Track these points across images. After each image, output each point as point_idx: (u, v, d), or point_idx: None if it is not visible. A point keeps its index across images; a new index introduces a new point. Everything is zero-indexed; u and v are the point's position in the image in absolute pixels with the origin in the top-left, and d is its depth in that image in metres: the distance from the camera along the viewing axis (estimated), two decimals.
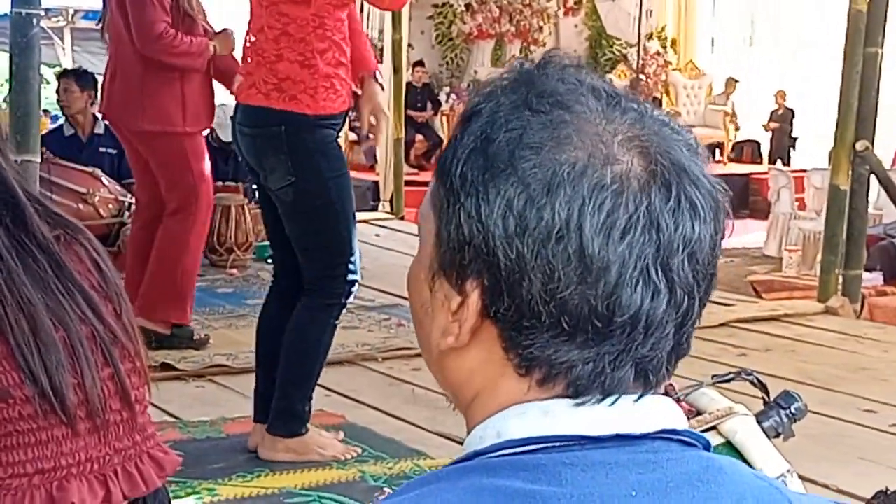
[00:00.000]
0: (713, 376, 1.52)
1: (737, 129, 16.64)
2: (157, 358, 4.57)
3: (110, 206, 6.85)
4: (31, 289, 1.69)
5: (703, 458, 0.84)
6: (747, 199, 13.71)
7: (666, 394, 0.88)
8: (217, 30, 5.05)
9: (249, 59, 3.51)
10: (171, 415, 4.03)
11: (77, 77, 7.31)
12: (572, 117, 0.81)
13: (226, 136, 8.39)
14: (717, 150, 15.83)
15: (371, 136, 3.76)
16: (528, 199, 0.79)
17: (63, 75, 7.59)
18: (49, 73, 13.36)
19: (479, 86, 0.87)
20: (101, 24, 5.20)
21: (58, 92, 7.44)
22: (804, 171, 11.98)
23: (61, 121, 7.90)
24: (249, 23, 3.56)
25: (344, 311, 3.59)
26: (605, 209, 0.79)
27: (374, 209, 9.92)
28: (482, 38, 15.60)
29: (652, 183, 0.80)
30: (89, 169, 6.93)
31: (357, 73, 3.61)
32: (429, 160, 14.48)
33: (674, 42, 17.07)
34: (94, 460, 1.75)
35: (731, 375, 1.53)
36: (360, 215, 4.63)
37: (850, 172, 6.32)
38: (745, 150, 16.62)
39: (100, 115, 6.33)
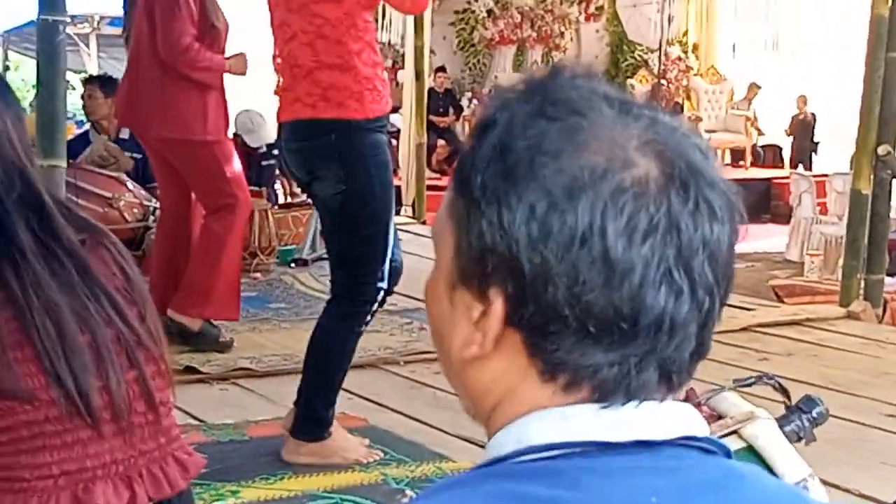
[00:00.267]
0: (735, 380, 1.52)
1: (760, 133, 16.57)
2: (182, 361, 4.60)
3: (135, 210, 6.88)
4: (57, 292, 1.70)
5: (723, 465, 0.84)
6: (769, 204, 13.66)
7: (687, 398, 0.89)
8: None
9: (284, 76, 3.47)
10: (195, 417, 4.05)
11: (102, 83, 7.36)
12: (588, 123, 0.83)
13: (252, 141, 8.46)
14: (739, 156, 15.77)
15: None
16: (550, 205, 0.80)
17: (88, 81, 7.65)
18: (75, 80, 13.44)
19: (492, 96, 0.88)
20: (125, 31, 5.22)
21: (83, 98, 7.49)
22: (826, 175, 11.92)
23: (87, 126, 7.96)
24: (276, 41, 3.53)
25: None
26: (627, 212, 0.80)
27: (397, 213, 9.89)
28: (504, 43, 15.60)
29: (670, 186, 0.81)
30: (114, 174, 6.97)
31: None
32: (451, 165, 14.48)
33: (695, 47, 17.02)
34: (120, 462, 1.76)
35: (753, 379, 1.54)
36: None
37: (872, 177, 6.30)
38: (768, 155, 16.55)
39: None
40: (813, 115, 16.48)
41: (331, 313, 3.54)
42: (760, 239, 10.52)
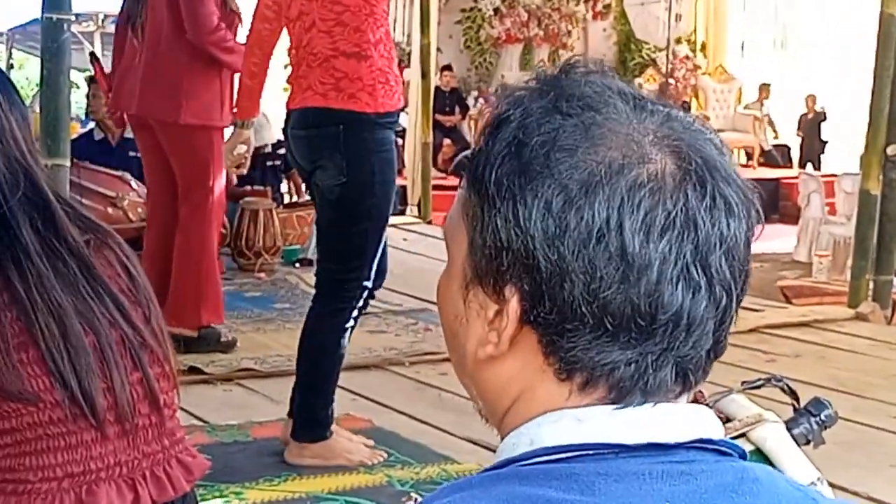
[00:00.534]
0: (743, 382, 1.51)
1: (776, 136, 16.56)
2: (186, 362, 4.59)
3: (139, 209, 6.88)
4: (62, 292, 1.69)
5: (737, 468, 0.83)
6: (777, 204, 13.64)
7: (695, 400, 0.87)
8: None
9: (301, 64, 3.46)
10: (198, 418, 4.04)
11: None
12: (603, 119, 0.82)
13: (256, 140, 8.44)
14: (748, 155, 15.75)
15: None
16: (566, 201, 0.79)
17: (92, 80, 7.64)
18: (79, 78, 13.45)
19: (502, 94, 0.87)
20: (131, 23, 5.12)
21: (87, 97, 7.49)
22: (834, 175, 11.89)
23: (91, 125, 7.96)
24: (293, 32, 3.52)
25: (370, 315, 3.59)
26: (644, 208, 0.79)
27: (402, 213, 9.93)
28: (510, 42, 15.59)
29: (687, 181, 0.81)
30: (118, 173, 6.97)
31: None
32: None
33: (703, 46, 17.00)
34: (123, 464, 1.75)
35: (761, 382, 1.52)
36: None
37: (881, 177, 6.29)
38: (778, 154, 16.54)
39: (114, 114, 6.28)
40: (821, 114, 16.45)
41: (315, 312, 3.54)
42: (768, 239, 10.44)
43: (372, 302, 3.58)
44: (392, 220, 3.75)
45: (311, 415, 3.53)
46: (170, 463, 1.83)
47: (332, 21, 3.39)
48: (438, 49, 11.74)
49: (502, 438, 0.86)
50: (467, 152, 0.88)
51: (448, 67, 14.48)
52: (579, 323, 0.80)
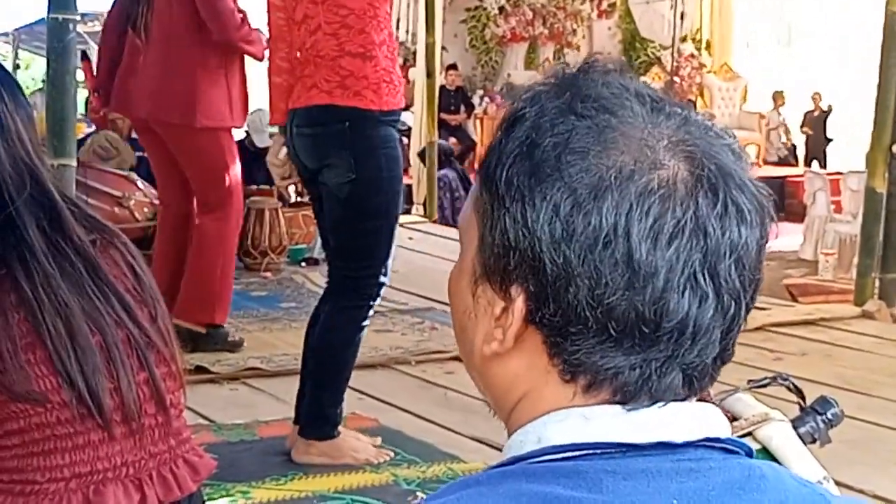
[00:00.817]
0: (749, 381, 1.51)
1: (790, 142, 16.58)
2: (192, 361, 4.60)
3: (146, 209, 6.89)
4: (68, 292, 1.69)
5: (745, 465, 0.83)
6: (783, 202, 13.63)
7: (701, 399, 0.87)
8: None
9: (307, 65, 3.47)
10: (205, 418, 4.05)
11: None
12: (617, 122, 0.81)
13: (260, 141, 8.45)
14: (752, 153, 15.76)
15: None
16: (574, 204, 0.79)
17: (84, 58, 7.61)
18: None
19: (520, 90, 0.86)
20: (132, 23, 5.03)
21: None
22: (840, 173, 11.88)
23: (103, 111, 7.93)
24: (298, 35, 3.52)
25: (376, 314, 3.60)
26: (653, 214, 0.78)
27: (408, 212, 9.92)
28: (515, 40, 15.59)
29: (698, 188, 0.80)
30: (125, 172, 6.99)
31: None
32: (462, 163, 14.48)
33: (708, 44, 16.99)
34: (130, 464, 1.75)
35: (767, 380, 1.52)
36: None
37: (887, 175, 6.27)
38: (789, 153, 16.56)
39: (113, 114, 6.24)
40: (827, 112, 16.45)
41: (330, 308, 3.53)
42: (774, 237, 10.47)
43: (378, 301, 3.58)
44: None
45: (319, 412, 3.54)
46: (176, 463, 1.83)
47: (337, 24, 3.41)
48: (443, 48, 11.74)
49: (510, 435, 0.86)
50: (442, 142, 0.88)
51: (453, 66, 14.48)
52: (583, 327, 0.80)
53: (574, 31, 15.97)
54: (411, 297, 6.21)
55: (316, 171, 3.49)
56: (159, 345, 1.80)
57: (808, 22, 18.37)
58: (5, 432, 1.68)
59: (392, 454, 3.65)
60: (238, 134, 8.31)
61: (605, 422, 0.81)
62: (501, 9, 15.45)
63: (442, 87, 12.21)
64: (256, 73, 5.23)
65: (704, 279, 0.80)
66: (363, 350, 3.72)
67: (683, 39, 16.27)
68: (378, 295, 3.51)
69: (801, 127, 16.79)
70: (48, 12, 4.05)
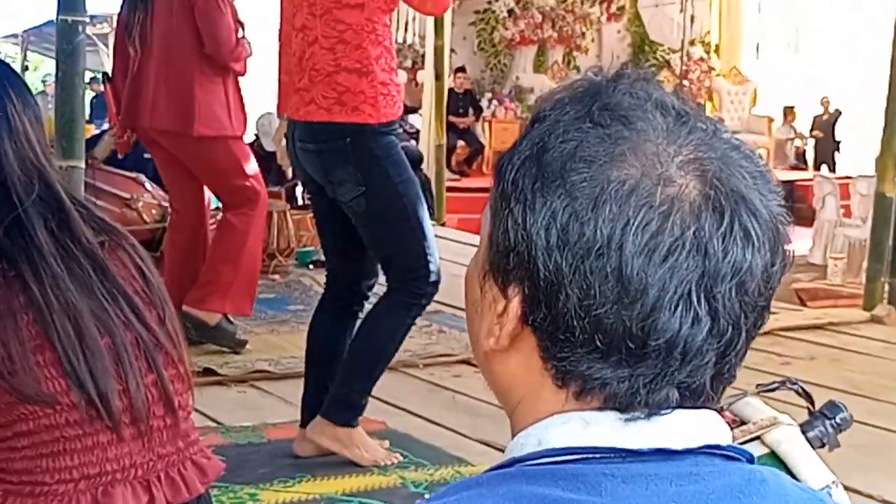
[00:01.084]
0: (757, 385, 1.50)
1: (803, 145, 16.59)
2: (200, 363, 4.60)
3: (154, 211, 6.90)
4: (77, 294, 1.69)
5: (745, 470, 0.83)
6: (792, 207, 13.58)
7: None
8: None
9: (303, 76, 3.49)
10: (213, 420, 4.05)
11: None
12: (632, 134, 0.81)
13: (269, 144, 8.48)
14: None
15: None
16: (572, 213, 0.79)
17: (106, 81, 7.64)
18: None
19: (552, 90, 0.86)
20: (130, 33, 4.99)
21: (91, 103, 7.48)
22: (849, 177, 11.87)
23: (105, 126, 7.97)
24: (295, 41, 3.53)
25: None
26: (650, 231, 0.78)
27: None
28: (524, 43, 15.58)
29: (704, 207, 0.79)
30: (133, 174, 6.99)
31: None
32: (470, 166, 14.48)
33: (717, 48, 16.98)
34: (139, 466, 1.75)
35: (776, 384, 1.51)
36: None
37: None
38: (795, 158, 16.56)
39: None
40: (836, 115, 16.44)
41: (384, 301, 3.57)
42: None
43: (429, 300, 3.61)
44: None
45: (347, 397, 3.55)
46: (184, 464, 1.83)
47: (334, 38, 3.43)
48: (452, 51, 11.76)
49: (513, 435, 0.86)
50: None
51: (462, 69, 14.48)
52: (571, 335, 0.80)
53: (583, 34, 15.97)
54: None
55: (323, 184, 3.52)
56: (167, 346, 1.80)
57: (818, 25, 18.34)
58: (14, 434, 1.68)
59: (400, 457, 3.65)
60: (248, 137, 8.36)
61: (605, 427, 0.81)
62: (510, 12, 15.44)
63: (450, 90, 12.21)
64: (260, 77, 5.25)
65: (699, 300, 0.78)
66: None
67: (693, 43, 16.26)
68: (429, 294, 3.53)
69: (811, 131, 16.78)
70: (57, 14, 4.06)
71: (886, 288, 6.38)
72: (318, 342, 3.70)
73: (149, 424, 1.75)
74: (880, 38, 7.81)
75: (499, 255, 0.84)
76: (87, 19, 4.38)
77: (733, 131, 0.86)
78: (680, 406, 0.82)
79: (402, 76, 13.65)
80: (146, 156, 7.13)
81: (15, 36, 19.23)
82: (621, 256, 0.78)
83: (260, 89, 5.08)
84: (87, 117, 5.29)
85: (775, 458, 1.40)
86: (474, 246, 0.91)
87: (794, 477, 1.33)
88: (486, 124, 14.76)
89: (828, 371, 5.05)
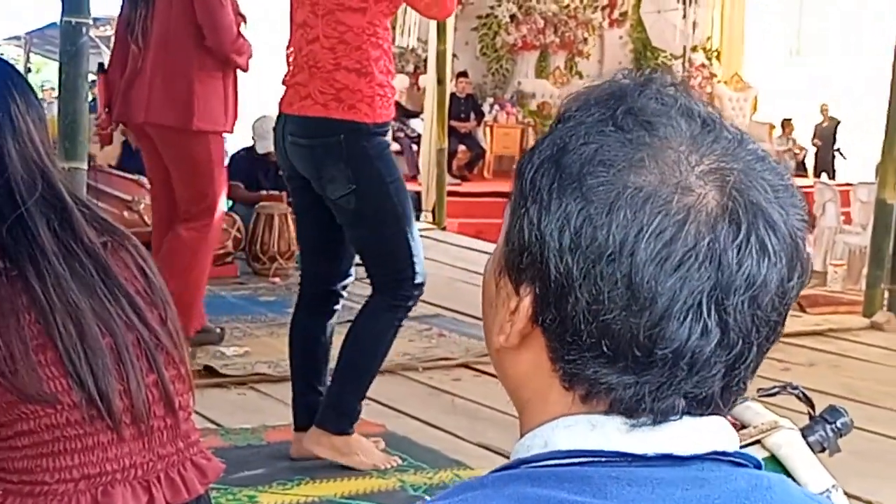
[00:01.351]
0: (758, 390, 1.50)
1: (802, 153, 16.60)
2: (200, 361, 4.60)
3: None
4: (79, 294, 1.70)
5: (752, 475, 0.82)
6: None
7: None
8: None
9: (300, 71, 3.51)
10: (212, 422, 4.05)
11: None
12: (653, 140, 0.80)
13: (263, 147, 8.47)
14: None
15: None
16: (586, 217, 0.78)
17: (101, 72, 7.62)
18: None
19: (582, 89, 0.85)
20: (130, 29, 4.98)
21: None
22: (850, 184, 11.88)
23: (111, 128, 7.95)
24: (294, 37, 3.54)
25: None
26: (664, 239, 0.77)
27: (417, 219, 9.89)
28: (526, 49, 15.60)
29: (721, 218, 0.78)
30: (134, 176, 6.99)
31: None
32: (471, 171, 14.49)
33: (719, 54, 16.99)
34: (139, 466, 1.75)
35: (777, 389, 1.51)
36: None
37: None
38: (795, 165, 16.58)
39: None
40: (836, 122, 16.45)
41: (371, 306, 3.58)
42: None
43: (415, 302, 3.62)
44: None
45: (340, 405, 3.55)
46: (184, 465, 1.83)
47: (335, 39, 3.45)
48: (454, 55, 11.75)
49: (521, 434, 0.86)
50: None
51: (464, 74, 14.49)
52: (578, 338, 0.80)
53: (585, 39, 15.98)
54: (419, 304, 6.19)
55: (311, 179, 3.51)
56: (169, 347, 1.80)
57: (819, 32, 18.34)
58: (15, 433, 1.68)
59: (399, 460, 3.65)
60: (247, 140, 8.36)
61: (612, 431, 0.81)
62: (513, 17, 15.46)
63: (452, 95, 12.21)
64: (257, 78, 5.24)
65: (709, 311, 0.77)
66: None
67: (694, 49, 16.28)
68: (413, 297, 3.56)
69: (812, 139, 16.79)
70: (61, 16, 4.06)
71: (886, 294, 6.39)
72: (298, 343, 3.72)
73: (149, 425, 1.75)
74: (882, 42, 7.82)
75: (513, 254, 0.84)
76: (91, 21, 4.37)
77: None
78: (687, 414, 0.81)
79: (405, 80, 13.67)
80: None
81: (18, 38, 19.26)
82: (632, 263, 0.77)
83: (259, 90, 5.04)
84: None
85: (776, 462, 1.40)
86: (474, 250, 0.91)
87: (794, 480, 1.33)
88: (488, 129, 14.77)
89: (827, 377, 5.06)
